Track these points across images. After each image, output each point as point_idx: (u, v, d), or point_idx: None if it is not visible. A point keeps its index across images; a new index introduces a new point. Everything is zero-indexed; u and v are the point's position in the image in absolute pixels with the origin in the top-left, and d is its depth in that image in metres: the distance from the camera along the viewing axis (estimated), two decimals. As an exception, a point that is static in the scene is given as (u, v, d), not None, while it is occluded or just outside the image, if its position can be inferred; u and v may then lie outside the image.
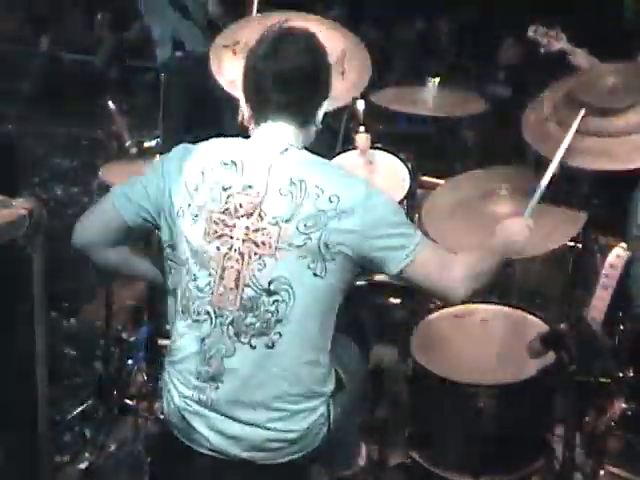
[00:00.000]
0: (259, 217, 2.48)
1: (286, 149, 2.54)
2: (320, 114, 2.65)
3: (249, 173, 2.51)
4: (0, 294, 2.88)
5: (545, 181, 2.99)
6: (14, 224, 2.90)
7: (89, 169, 6.45)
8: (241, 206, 2.49)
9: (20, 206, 2.95)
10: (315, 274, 2.47)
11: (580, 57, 4.70)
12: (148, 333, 3.71)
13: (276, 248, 2.46)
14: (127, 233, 2.68)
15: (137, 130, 4.01)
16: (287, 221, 2.46)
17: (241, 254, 2.48)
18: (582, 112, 3.08)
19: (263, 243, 2.47)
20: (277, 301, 2.47)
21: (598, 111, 3.18)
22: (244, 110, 2.63)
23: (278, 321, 2.47)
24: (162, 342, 3.65)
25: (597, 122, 3.18)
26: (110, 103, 3.98)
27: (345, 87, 3.61)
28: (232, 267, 2.49)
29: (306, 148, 2.61)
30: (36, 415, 3.10)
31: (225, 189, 2.51)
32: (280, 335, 2.48)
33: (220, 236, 2.50)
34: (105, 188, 3.99)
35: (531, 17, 4.76)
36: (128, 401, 3.84)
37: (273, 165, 2.51)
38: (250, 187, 2.50)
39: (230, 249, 2.49)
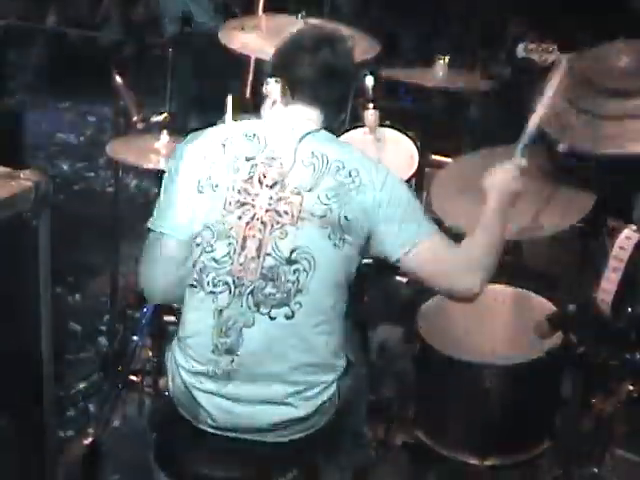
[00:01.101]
0: (282, 187, 2.51)
1: (314, 129, 2.59)
2: (340, 118, 2.84)
3: (273, 145, 2.54)
4: (6, 267, 2.87)
5: (534, 120, 2.93)
6: (20, 196, 2.89)
7: (96, 145, 6.47)
8: (265, 176, 2.52)
9: (26, 178, 2.93)
10: (335, 244, 2.49)
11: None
12: (153, 309, 3.69)
13: (298, 218, 2.49)
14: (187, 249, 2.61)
15: (144, 105, 3.97)
16: (309, 191, 2.50)
17: (263, 223, 2.50)
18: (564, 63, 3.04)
19: (285, 212, 2.49)
20: (297, 270, 2.48)
21: (612, 92, 3.14)
22: (271, 91, 2.65)
23: (298, 291, 2.49)
24: (167, 318, 3.65)
25: (611, 104, 3.14)
26: (117, 78, 3.96)
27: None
28: (254, 236, 2.50)
29: None
30: (41, 390, 3.10)
31: (248, 159, 2.53)
32: (300, 305, 2.49)
33: (242, 204, 2.51)
34: (112, 163, 4.00)
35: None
36: (132, 377, 3.84)
37: (298, 138, 2.55)
38: (274, 159, 2.53)
39: (252, 218, 2.51)
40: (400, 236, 2.54)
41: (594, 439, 3.34)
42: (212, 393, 2.55)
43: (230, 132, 2.61)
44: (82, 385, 3.96)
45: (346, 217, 2.49)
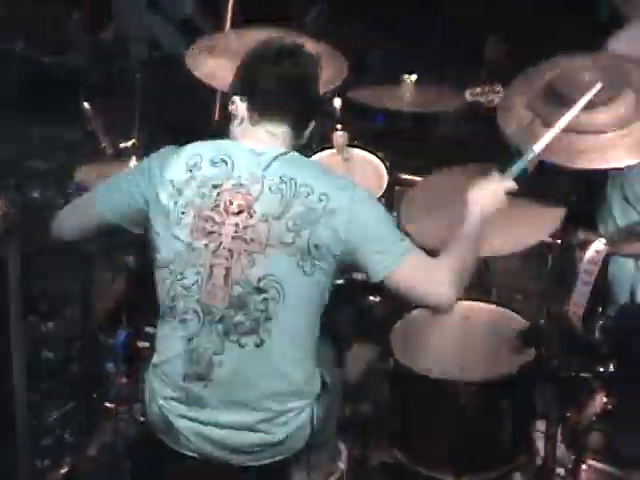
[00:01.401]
0: (249, 214, 2.49)
1: (283, 152, 2.56)
2: (308, 131, 2.69)
3: (240, 171, 2.52)
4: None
5: (539, 146, 2.86)
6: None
7: (65, 171, 6.44)
8: (231, 203, 2.50)
9: (-7, 210, 2.92)
10: (304, 272, 2.48)
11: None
12: (127, 335, 3.68)
13: (266, 245, 2.47)
14: (108, 231, 2.70)
15: (113, 131, 3.97)
16: (277, 218, 2.47)
17: (230, 251, 2.49)
18: (598, 86, 2.99)
19: (252, 240, 2.48)
20: (266, 299, 2.47)
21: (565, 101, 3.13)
22: (237, 109, 2.64)
23: (267, 319, 2.48)
24: (141, 344, 3.64)
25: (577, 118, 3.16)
26: (85, 104, 3.95)
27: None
28: (221, 264, 2.49)
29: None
30: (15, 420, 3.08)
31: (215, 186, 2.51)
32: (269, 333, 2.48)
33: (209, 233, 2.50)
34: (82, 190, 3.98)
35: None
36: (108, 404, 3.81)
37: (265, 164, 2.52)
38: (241, 185, 2.50)
39: (219, 246, 2.49)
40: (379, 257, 2.52)
41: (570, 452, 3.36)
42: (188, 418, 2.55)
43: (198, 156, 2.57)
44: (57, 414, 3.93)
45: (316, 245, 2.47)
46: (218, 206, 2.50)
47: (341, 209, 2.49)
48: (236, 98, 2.63)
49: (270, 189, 2.49)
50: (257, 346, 2.49)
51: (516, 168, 2.82)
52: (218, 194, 2.51)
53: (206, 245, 2.49)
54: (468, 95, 4.54)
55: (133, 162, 3.72)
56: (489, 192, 2.74)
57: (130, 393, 3.70)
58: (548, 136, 2.85)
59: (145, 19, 6.14)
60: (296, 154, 2.60)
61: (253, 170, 2.52)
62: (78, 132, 4.81)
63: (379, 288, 2.63)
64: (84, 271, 4.16)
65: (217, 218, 2.50)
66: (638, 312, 4.28)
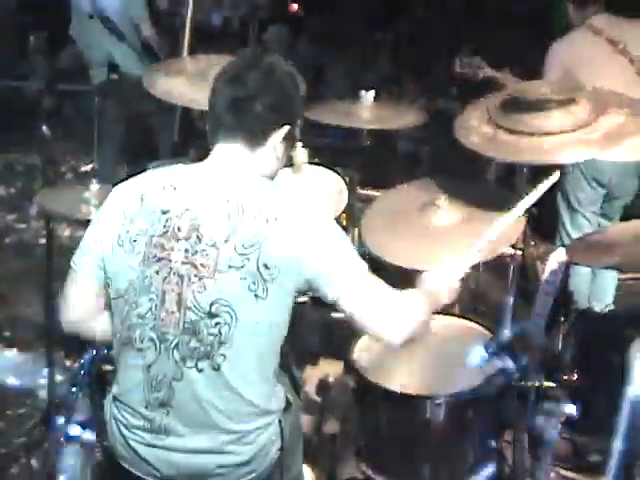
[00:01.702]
0: (197, 239, 2.45)
1: (232, 173, 2.52)
2: (276, 141, 2.58)
3: (189, 196, 2.49)
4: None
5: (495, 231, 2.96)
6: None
7: (26, 196, 6.42)
8: (179, 229, 2.47)
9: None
10: (256, 295, 2.43)
11: (505, 79, 4.87)
12: (91, 359, 3.66)
13: (215, 270, 2.43)
14: (102, 293, 2.63)
15: (72, 155, 3.97)
16: (225, 242, 2.43)
17: (180, 277, 2.45)
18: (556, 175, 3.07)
19: (202, 265, 2.44)
20: (219, 323, 2.44)
21: (532, 106, 3.24)
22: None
23: (221, 343, 2.44)
24: (106, 367, 3.62)
25: (525, 120, 3.25)
26: (44, 128, 3.95)
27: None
28: (172, 290, 2.46)
29: None
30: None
31: (164, 212, 2.48)
32: (224, 357, 2.45)
33: (159, 259, 2.47)
34: (42, 214, 3.97)
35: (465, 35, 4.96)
36: (74, 429, 3.79)
37: (213, 188, 2.49)
38: (188, 210, 2.47)
39: (169, 272, 2.46)
40: (331, 278, 2.47)
41: (538, 461, 3.37)
42: (151, 446, 2.53)
43: (149, 184, 2.54)
44: (23, 440, 3.90)
45: (266, 265, 2.42)
46: (167, 232, 2.47)
47: (290, 229, 2.44)
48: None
49: (217, 213, 2.45)
50: (214, 370, 2.46)
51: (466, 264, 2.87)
52: (167, 220, 2.47)
53: (157, 272, 2.47)
54: (457, 66, 4.74)
55: (93, 185, 3.72)
56: (443, 283, 2.78)
57: (95, 417, 3.68)
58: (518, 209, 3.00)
59: (104, 44, 6.13)
60: (245, 176, 2.53)
61: (201, 194, 2.48)
62: (37, 157, 4.78)
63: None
64: (46, 296, 4.15)
65: (166, 244, 2.47)
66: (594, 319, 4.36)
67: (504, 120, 3.28)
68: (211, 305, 2.44)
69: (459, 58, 5.06)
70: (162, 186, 2.51)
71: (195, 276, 2.44)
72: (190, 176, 2.54)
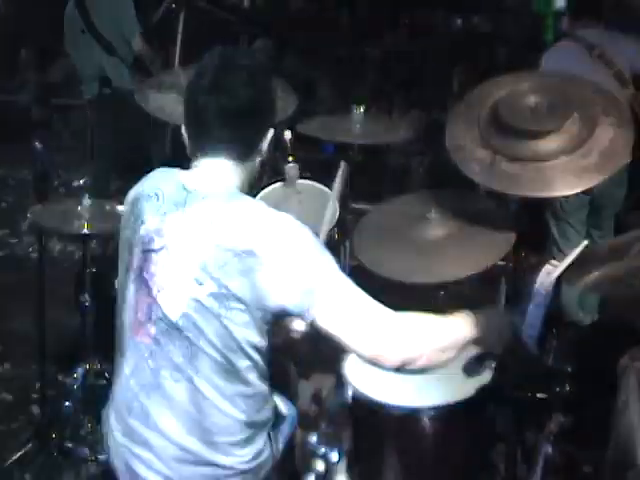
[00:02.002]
0: (167, 252, 2.43)
1: (212, 188, 2.47)
2: (265, 144, 2.56)
3: (165, 207, 2.46)
4: None
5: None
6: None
7: (18, 210, 6.42)
8: (152, 240, 2.45)
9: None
10: (220, 314, 2.39)
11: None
12: (84, 374, 3.67)
13: (184, 285, 2.41)
14: None
15: (64, 169, 3.97)
16: (195, 259, 2.40)
17: (150, 289, 2.45)
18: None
19: (170, 278, 2.42)
20: (188, 337, 2.42)
21: (522, 134, 3.18)
22: (185, 141, 2.56)
23: (192, 357, 2.42)
24: (98, 382, 3.63)
25: (522, 146, 3.18)
26: (37, 143, 3.96)
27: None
28: (144, 301, 2.46)
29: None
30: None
31: (143, 222, 2.48)
32: (197, 370, 2.43)
33: (135, 269, 2.48)
34: (34, 229, 3.98)
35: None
36: (67, 444, 3.80)
37: (190, 202, 2.45)
38: (163, 221, 2.45)
39: (141, 283, 2.46)
40: (305, 299, 2.39)
41: (530, 472, 3.38)
42: (138, 457, 2.52)
43: (139, 192, 2.55)
44: (17, 456, 3.90)
45: (231, 285, 2.36)
46: (143, 242, 2.46)
47: (268, 253, 2.37)
48: (183, 129, 2.56)
49: (189, 229, 2.41)
50: (190, 382, 2.44)
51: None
52: (144, 230, 2.47)
53: (133, 281, 2.48)
54: None
55: (85, 200, 3.73)
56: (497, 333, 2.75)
57: (89, 431, 3.69)
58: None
59: (97, 58, 6.14)
60: (227, 192, 2.48)
61: (177, 208, 2.45)
62: (29, 170, 4.79)
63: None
64: (38, 310, 4.15)
65: (139, 254, 2.47)
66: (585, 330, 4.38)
67: (499, 144, 3.23)
68: (179, 319, 2.41)
69: None
70: (148, 194, 2.50)
71: (164, 289, 2.43)
72: (170, 187, 2.49)
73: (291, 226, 2.46)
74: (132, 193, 2.59)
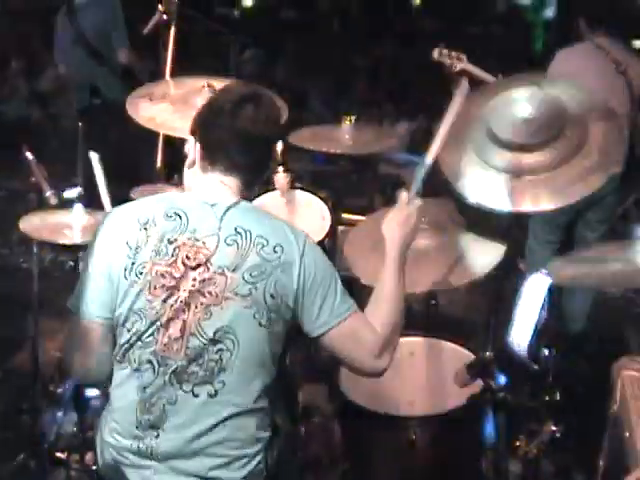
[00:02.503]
0: (206, 268, 2.48)
1: (235, 202, 2.55)
2: (263, 179, 2.72)
3: (195, 224, 2.51)
4: None
5: (431, 157, 2.88)
6: None
7: (9, 220, 6.41)
8: (188, 258, 2.48)
9: None
10: (260, 324, 2.47)
11: (482, 76, 4.93)
12: (76, 384, 3.67)
13: (223, 298, 2.46)
14: (112, 333, 2.59)
15: (56, 179, 3.97)
16: (233, 270, 2.47)
17: (187, 304, 2.47)
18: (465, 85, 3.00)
19: (210, 293, 2.47)
20: (221, 350, 2.47)
21: (515, 147, 3.17)
22: (190, 150, 2.62)
23: (221, 370, 2.47)
24: (90, 392, 3.63)
25: (514, 159, 3.17)
26: (28, 153, 3.95)
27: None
28: (178, 317, 2.48)
29: None
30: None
31: (171, 242, 2.50)
32: (223, 384, 2.48)
33: (167, 288, 2.48)
34: (26, 239, 3.98)
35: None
36: (59, 454, 3.79)
37: (220, 217, 2.52)
38: (197, 239, 2.49)
39: (176, 301, 2.48)
40: (320, 315, 2.53)
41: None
42: (139, 467, 2.52)
43: (151, 212, 2.54)
44: (8, 466, 3.89)
45: (272, 295, 2.47)
46: (176, 262, 2.49)
47: (294, 261, 2.50)
48: (191, 139, 2.62)
49: (226, 241, 2.49)
50: (210, 396, 2.48)
51: (416, 186, 2.82)
52: (175, 249, 2.49)
53: (164, 300, 2.48)
54: (436, 54, 4.79)
55: (78, 209, 3.73)
56: (403, 218, 2.74)
57: (81, 442, 3.68)
58: (435, 146, 2.88)
59: (87, 68, 6.15)
60: (247, 204, 2.59)
61: (208, 223, 2.51)
62: (20, 181, 4.79)
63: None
64: (30, 320, 4.15)
65: (175, 273, 2.48)
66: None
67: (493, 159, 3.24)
68: (215, 332, 2.47)
69: (439, 47, 5.06)
70: (166, 213, 2.53)
71: (201, 304, 2.47)
72: (192, 204, 2.55)
73: (309, 236, 2.63)
74: (133, 217, 2.55)
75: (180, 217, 2.52)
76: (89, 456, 3.59)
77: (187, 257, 2.49)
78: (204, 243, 2.49)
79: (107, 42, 6.14)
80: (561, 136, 3.14)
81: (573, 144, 3.12)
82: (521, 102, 3.21)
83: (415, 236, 2.76)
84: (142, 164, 5.74)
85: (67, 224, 3.72)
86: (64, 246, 3.89)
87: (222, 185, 2.58)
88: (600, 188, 3.10)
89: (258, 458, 2.57)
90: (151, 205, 2.58)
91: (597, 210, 4.94)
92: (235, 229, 2.50)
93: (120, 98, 4.57)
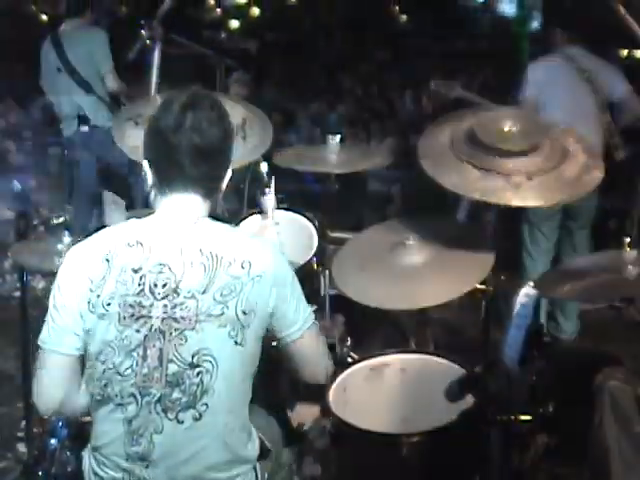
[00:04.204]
0: (175, 293, 2.47)
1: (195, 222, 2.54)
2: (225, 184, 2.66)
3: (159, 250, 2.50)
4: None
5: None
6: None
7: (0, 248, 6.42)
8: (156, 285, 2.48)
9: None
10: (236, 342, 2.48)
11: (474, 99, 5.17)
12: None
13: (196, 321, 2.46)
14: (80, 366, 2.60)
15: (44, 207, 3.98)
16: (203, 292, 2.47)
17: (162, 332, 2.47)
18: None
19: (182, 318, 2.47)
20: (201, 372, 2.47)
21: (495, 152, 3.24)
22: (147, 175, 2.59)
23: (204, 392, 2.47)
24: (84, 419, 3.62)
25: (495, 162, 3.23)
26: (15, 182, 3.97)
27: (247, 150, 3.62)
28: (154, 346, 2.47)
29: (211, 215, 2.62)
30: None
31: (136, 271, 2.48)
32: (207, 406, 2.48)
33: (138, 318, 2.47)
34: (16, 267, 3.99)
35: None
36: (54, 481, 3.78)
37: (183, 240, 2.51)
38: (162, 265, 2.48)
39: (150, 329, 2.47)
40: (296, 319, 2.61)
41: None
42: None
43: (112, 243, 2.52)
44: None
45: (244, 311, 2.48)
46: (143, 290, 2.48)
47: (264, 273, 2.51)
48: (145, 163, 2.59)
49: (192, 264, 2.48)
50: (195, 420, 2.48)
51: None
52: (141, 278, 2.48)
53: (137, 330, 2.47)
54: (432, 86, 5.10)
55: (66, 238, 3.74)
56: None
57: (75, 469, 3.67)
58: None
59: (74, 97, 6.18)
60: (208, 221, 2.58)
61: (171, 248, 2.50)
62: (10, 209, 4.80)
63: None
64: (22, 349, 4.15)
65: (144, 302, 2.48)
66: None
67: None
68: (193, 356, 2.47)
69: (434, 80, 5.48)
70: (127, 243, 2.51)
71: (176, 330, 2.47)
72: (153, 230, 2.54)
73: (275, 247, 2.75)
74: (93, 250, 2.54)
75: (142, 245, 2.50)
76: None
77: (154, 285, 2.48)
78: (170, 269, 2.48)
79: (93, 69, 6.16)
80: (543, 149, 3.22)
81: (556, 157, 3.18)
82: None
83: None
84: (132, 189, 5.78)
85: (56, 251, 3.72)
86: (54, 273, 3.90)
87: (182, 205, 2.55)
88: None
89: (250, 476, 2.59)
90: (111, 236, 2.57)
91: (578, 214, 5.21)
92: (200, 251, 2.49)
93: (109, 126, 4.60)
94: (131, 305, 2.48)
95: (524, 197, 3.18)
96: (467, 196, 3.34)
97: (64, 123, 6.31)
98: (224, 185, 2.66)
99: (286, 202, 3.89)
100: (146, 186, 2.61)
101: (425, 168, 3.27)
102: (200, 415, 2.48)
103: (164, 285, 2.48)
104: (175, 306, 2.47)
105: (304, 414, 3.71)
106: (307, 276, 3.52)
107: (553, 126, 3.46)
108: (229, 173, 2.65)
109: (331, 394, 3.31)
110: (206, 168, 2.55)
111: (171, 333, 2.47)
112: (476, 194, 3.20)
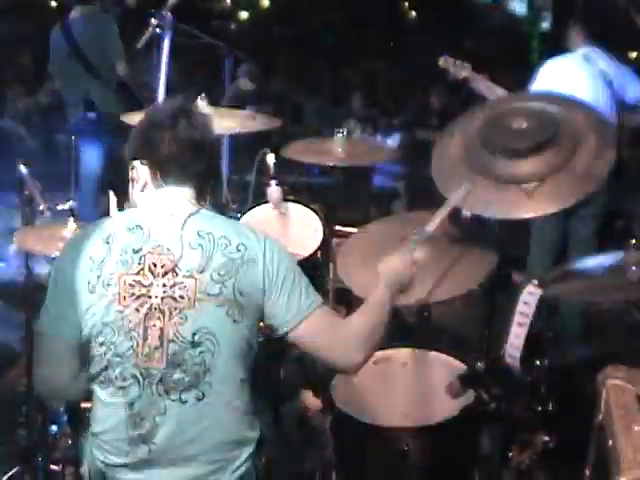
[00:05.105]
0: (174, 273, 2.52)
1: (195, 210, 2.60)
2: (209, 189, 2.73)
3: (158, 234, 2.55)
4: None
5: (431, 227, 3.07)
6: None
7: (5, 234, 6.41)
8: (155, 265, 2.52)
9: None
10: (234, 320, 2.52)
11: (482, 84, 5.09)
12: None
13: (195, 300, 2.51)
14: (79, 351, 2.61)
15: (50, 193, 3.98)
16: (201, 272, 2.51)
17: (162, 311, 2.51)
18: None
19: (182, 297, 2.51)
20: (203, 352, 2.50)
21: (503, 151, 3.21)
22: (138, 174, 2.65)
23: (206, 371, 2.51)
24: (84, 405, 3.62)
25: (504, 166, 3.20)
26: (22, 167, 3.96)
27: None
28: (154, 325, 2.51)
29: (216, 206, 2.72)
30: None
31: (136, 251, 2.53)
32: (210, 385, 2.52)
33: (138, 297, 2.51)
34: (21, 253, 3.99)
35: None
36: (54, 466, 3.79)
37: (181, 223, 2.56)
38: (161, 246, 2.53)
39: (150, 308, 2.51)
40: (289, 309, 2.60)
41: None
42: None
43: (112, 227, 2.58)
44: (3, 478, 3.89)
45: (241, 292, 2.52)
46: (143, 269, 2.53)
47: (257, 258, 2.56)
48: (136, 163, 2.66)
49: (190, 245, 2.53)
50: (198, 400, 2.51)
51: (415, 240, 3.03)
52: (140, 258, 2.53)
53: (137, 309, 2.51)
54: (441, 62, 5.00)
55: (71, 224, 3.74)
56: (396, 264, 2.90)
57: (76, 454, 3.68)
58: (435, 221, 3.07)
59: (81, 82, 6.18)
60: (206, 211, 2.64)
61: (170, 231, 2.55)
62: (15, 194, 4.80)
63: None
64: (25, 334, 4.15)
65: (144, 281, 2.52)
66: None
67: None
68: (194, 335, 2.50)
69: (444, 56, 5.29)
70: (127, 227, 2.56)
71: (175, 309, 2.50)
72: (152, 216, 2.59)
73: (269, 235, 2.69)
74: (95, 234, 2.58)
75: (142, 229, 2.56)
76: (84, 468, 3.59)
77: (154, 264, 2.53)
78: (168, 250, 2.53)
79: (102, 55, 6.16)
80: (555, 142, 3.17)
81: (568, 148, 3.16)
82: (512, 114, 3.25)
83: (409, 284, 2.90)
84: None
85: (61, 237, 3.72)
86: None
87: (178, 196, 2.63)
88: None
89: (250, 462, 2.60)
90: (112, 222, 2.63)
91: (589, 206, 5.08)
92: (197, 233, 2.55)
93: (116, 112, 4.60)
94: (131, 284, 2.52)
95: (539, 204, 3.12)
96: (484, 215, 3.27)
97: (71, 109, 6.31)
98: (210, 187, 2.73)
99: (292, 194, 3.89)
100: (136, 187, 2.67)
101: (438, 186, 3.25)
102: (203, 395, 2.51)
103: (163, 265, 2.53)
104: (174, 285, 2.51)
105: (306, 405, 3.72)
106: (311, 268, 3.52)
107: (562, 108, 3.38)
108: (213, 181, 2.75)
109: (334, 386, 3.32)
110: (203, 164, 2.66)
111: (171, 312, 2.51)
112: (491, 210, 3.18)
